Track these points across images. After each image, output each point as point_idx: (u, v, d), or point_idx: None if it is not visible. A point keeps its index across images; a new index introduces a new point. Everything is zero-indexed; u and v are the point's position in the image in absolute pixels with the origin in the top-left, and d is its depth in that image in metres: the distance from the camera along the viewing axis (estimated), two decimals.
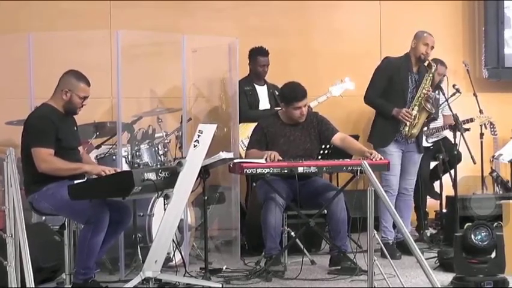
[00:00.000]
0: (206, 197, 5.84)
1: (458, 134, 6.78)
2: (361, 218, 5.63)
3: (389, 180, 6.54)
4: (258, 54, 7.50)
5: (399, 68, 6.59)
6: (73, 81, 5.37)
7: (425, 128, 7.22)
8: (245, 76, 7.48)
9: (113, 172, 5.17)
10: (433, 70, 6.56)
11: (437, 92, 7.06)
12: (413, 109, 6.52)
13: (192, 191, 5.50)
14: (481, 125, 8.06)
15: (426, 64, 6.54)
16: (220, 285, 5.51)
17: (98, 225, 5.09)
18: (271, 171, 5.86)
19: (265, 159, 5.87)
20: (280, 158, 5.94)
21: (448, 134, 7.72)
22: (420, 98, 6.52)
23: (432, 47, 6.59)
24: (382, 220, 6.61)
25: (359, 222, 5.80)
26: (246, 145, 6.64)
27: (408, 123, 6.49)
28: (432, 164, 7.65)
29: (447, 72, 7.60)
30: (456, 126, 6.85)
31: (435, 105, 7.04)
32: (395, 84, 6.58)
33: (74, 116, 5.55)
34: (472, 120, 7.82)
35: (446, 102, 6.97)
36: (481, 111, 7.97)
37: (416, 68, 6.62)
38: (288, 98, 6.25)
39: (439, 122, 7.75)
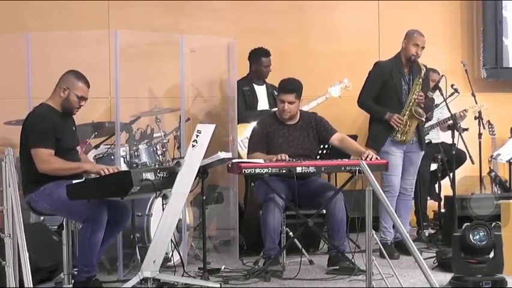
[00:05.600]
0: (204, 197, 5.85)
1: (456, 134, 6.78)
2: (359, 218, 5.63)
3: (391, 181, 6.55)
4: (261, 55, 7.51)
5: (391, 72, 6.60)
6: (72, 80, 5.35)
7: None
8: (244, 76, 7.49)
9: (113, 171, 5.16)
10: (422, 74, 6.56)
11: (431, 93, 7.07)
12: (404, 115, 6.53)
13: (191, 191, 5.49)
14: (475, 116, 8.06)
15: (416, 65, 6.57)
16: (219, 285, 5.51)
17: (97, 224, 5.09)
18: (269, 171, 5.86)
19: (275, 160, 5.88)
20: (290, 159, 5.94)
21: (444, 138, 7.73)
22: (410, 104, 6.54)
23: (423, 47, 6.58)
24: (382, 220, 6.62)
25: (357, 222, 5.79)
26: (243, 146, 6.65)
27: (400, 129, 6.51)
28: (433, 166, 7.66)
29: (441, 78, 7.63)
30: (454, 126, 6.86)
31: (430, 107, 7.05)
32: (389, 89, 6.60)
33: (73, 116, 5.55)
34: (466, 111, 7.83)
35: (444, 102, 6.97)
36: (480, 115, 7.98)
37: (407, 69, 6.64)
38: (278, 89, 6.37)
39: (433, 121, 7.76)
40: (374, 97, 6.64)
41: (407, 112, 6.54)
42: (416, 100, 6.54)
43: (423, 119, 6.69)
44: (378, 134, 6.63)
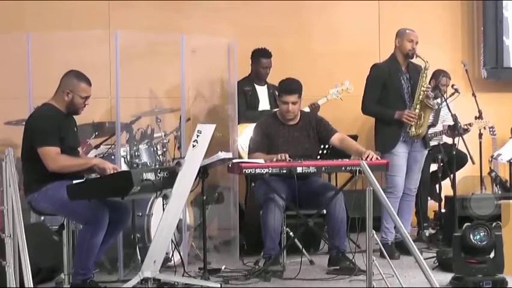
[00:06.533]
0: (205, 197, 5.85)
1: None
2: (360, 218, 5.63)
3: (395, 182, 6.54)
4: (260, 56, 7.51)
5: (390, 72, 6.60)
6: (74, 82, 5.36)
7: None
8: (245, 76, 7.49)
9: (118, 170, 5.18)
10: (427, 66, 6.54)
11: (436, 97, 7.05)
12: (415, 109, 6.51)
13: (191, 191, 5.50)
14: (476, 116, 8.05)
15: (417, 58, 6.55)
16: (219, 285, 5.51)
17: (97, 226, 5.10)
18: (270, 171, 5.86)
19: (276, 160, 5.88)
20: (290, 159, 5.93)
21: (445, 138, 7.73)
22: (420, 97, 6.52)
23: (417, 42, 6.58)
24: (384, 221, 6.59)
25: (357, 223, 5.80)
26: (244, 146, 6.64)
27: (413, 124, 6.49)
28: (434, 167, 7.65)
29: (441, 78, 7.64)
30: (455, 127, 6.85)
31: (435, 110, 7.05)
32: (389, 89, 6.59)
33: (74, 116, 5.55)
34: (470, 125, 7.83)
35: (445, 102, 6.97)
36: (480, 115, 7.96)
37: (404, 67, 6.64)
38: (279, 91, 6.36)
39: (438, 127, 7.75)
40: (377, 100, 6.62)
41: (418, 105, 6.52)
42: (425, 92, 6.52)
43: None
44: (389, 136, 6.58)
